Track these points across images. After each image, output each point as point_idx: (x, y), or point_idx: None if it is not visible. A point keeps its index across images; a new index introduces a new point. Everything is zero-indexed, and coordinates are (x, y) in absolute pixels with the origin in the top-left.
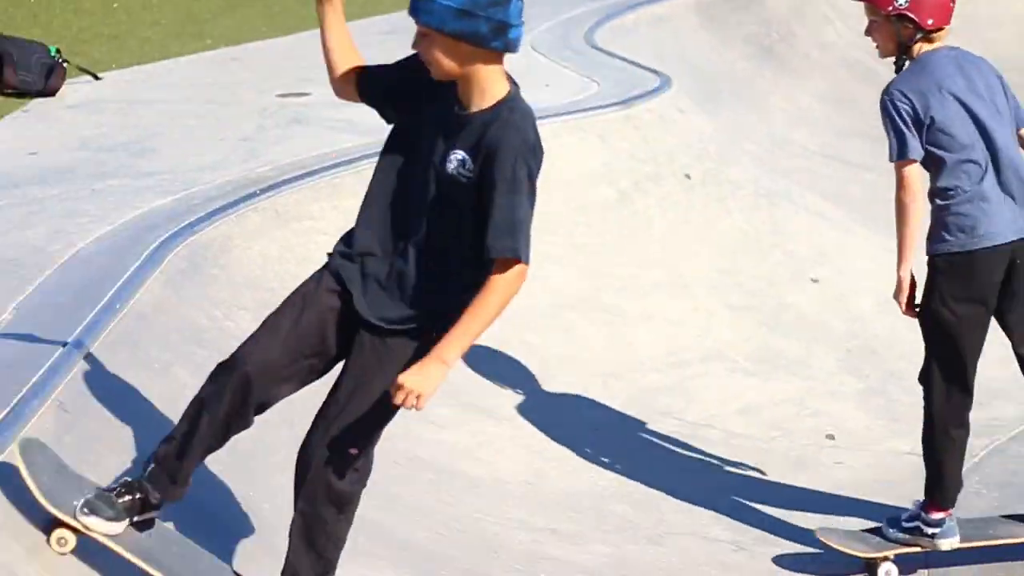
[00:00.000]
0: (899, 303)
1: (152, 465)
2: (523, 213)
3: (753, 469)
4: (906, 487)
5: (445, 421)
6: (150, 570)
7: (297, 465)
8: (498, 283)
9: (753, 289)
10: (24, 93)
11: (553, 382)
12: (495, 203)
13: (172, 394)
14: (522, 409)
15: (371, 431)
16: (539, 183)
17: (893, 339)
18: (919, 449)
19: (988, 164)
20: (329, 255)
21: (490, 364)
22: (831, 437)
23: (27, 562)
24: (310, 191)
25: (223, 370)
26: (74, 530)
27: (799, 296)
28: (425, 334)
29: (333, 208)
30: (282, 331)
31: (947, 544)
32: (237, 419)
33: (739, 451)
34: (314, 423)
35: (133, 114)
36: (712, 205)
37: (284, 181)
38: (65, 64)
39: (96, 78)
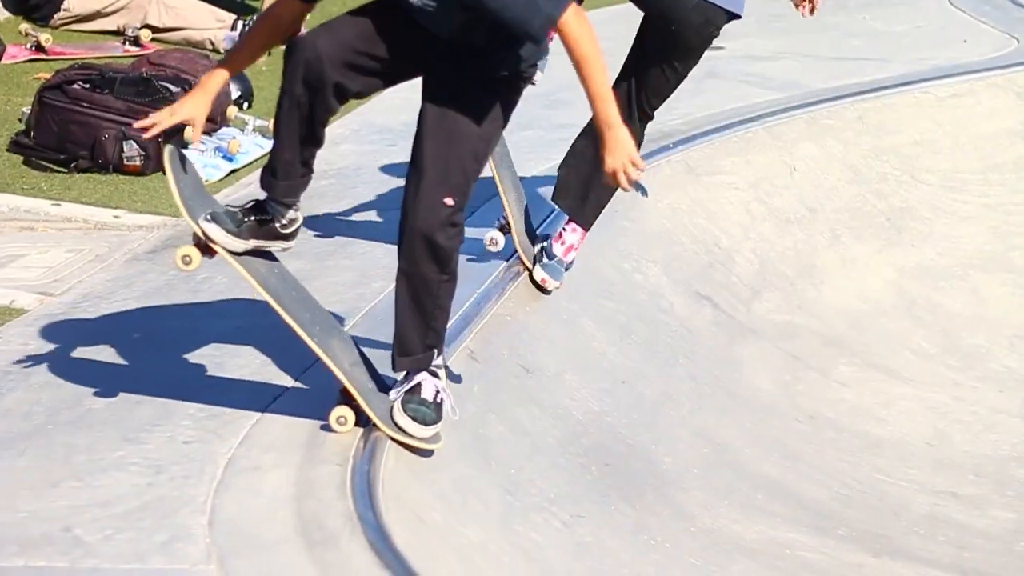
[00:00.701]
0: None
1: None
2: None
3: None
4: None
5: (847, 380)
6: (264, 295)
7: (400, 226)
8: (572, 38)
9: None
10: None
11: (958, 343)
12: None
13: (579, 345)
14: (925, 370)
15: (460, 175)
16: (949, 141)
17: None
18: None
19: None
20: None
21: (893, 323)
22: None
23: None
24: (721, 145)
25: (289, 52)
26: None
27: None
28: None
29: (745, 163)
30: (352, 19)
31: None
32: (317, 101)
33: None
34: (407, 178)
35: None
36: None
37: (697, 135)
38: None
39: None
